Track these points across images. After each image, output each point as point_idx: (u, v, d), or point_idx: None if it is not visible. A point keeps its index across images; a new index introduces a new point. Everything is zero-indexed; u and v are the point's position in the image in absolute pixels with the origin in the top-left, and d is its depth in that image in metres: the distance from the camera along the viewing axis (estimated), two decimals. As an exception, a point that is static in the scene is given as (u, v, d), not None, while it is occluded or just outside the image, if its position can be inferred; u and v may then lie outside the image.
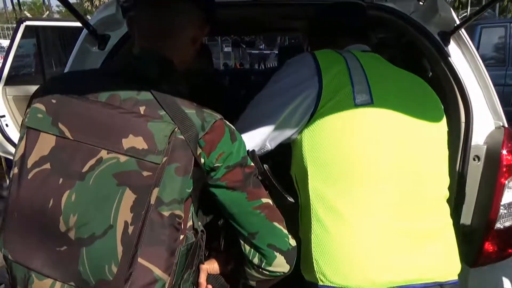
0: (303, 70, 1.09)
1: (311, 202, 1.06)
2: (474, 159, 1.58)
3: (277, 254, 0.93)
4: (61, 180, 0.81)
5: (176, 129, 0.81)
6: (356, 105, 1.04)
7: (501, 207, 1.51)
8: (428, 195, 1.09)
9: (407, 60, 1.92)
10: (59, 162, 0.82)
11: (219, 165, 0.88)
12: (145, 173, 0.78)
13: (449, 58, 1.60)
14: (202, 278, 1.02)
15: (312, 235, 1.06)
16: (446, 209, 1.14)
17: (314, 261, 1.05)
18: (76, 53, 1.61)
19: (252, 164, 0.96)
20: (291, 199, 1.10)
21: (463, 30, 1.58)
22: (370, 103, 1.04)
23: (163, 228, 0.78)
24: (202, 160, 0.86)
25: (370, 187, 1.03)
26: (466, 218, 1.61)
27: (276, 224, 0.94)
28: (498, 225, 1.53)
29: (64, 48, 5.07)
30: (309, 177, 1.07)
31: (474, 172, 1.59)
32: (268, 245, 0.92)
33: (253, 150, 1.13)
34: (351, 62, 1.09)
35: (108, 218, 0.77)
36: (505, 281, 1.65)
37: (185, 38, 0.98)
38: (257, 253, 0.94)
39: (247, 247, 0.95)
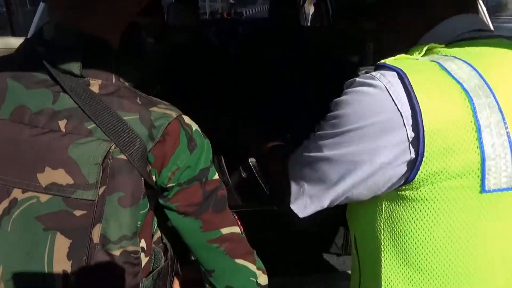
0: (386, 113, 0.61)
1: None
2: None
3: None
4: None
5: (112, 148, 0.61)
6: (485, 192, 0.61)
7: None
8: None
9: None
10: None
11: (173, 184, 0.69)
12: (78, 213, 0.61)
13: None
14: (176, 284, 0.90)
15: None
16: None
17: None
18: (42, 12, 1.40)
19: (216, 177, 0.74)
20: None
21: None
22: None
23: (115, 268, 0.64)
24: (154, 178, 0.68)
25: None
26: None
27: (239, 261, 0.76)
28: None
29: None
30: (383, 264, 0.71)
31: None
32: (227, 287, 0.77)
33: (221, 157, 0.94)
34: (472, 86, 0.60)
35: (41, 270, 0.62)
36: None
37: (123, 2, 0.68)
38: None
39: (207, 284, 0.80)
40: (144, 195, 0.66)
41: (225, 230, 0.75)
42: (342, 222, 1.80)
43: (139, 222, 0.67)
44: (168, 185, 0.69)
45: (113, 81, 0.67)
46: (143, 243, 0.71)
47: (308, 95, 2.41)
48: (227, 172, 0.96)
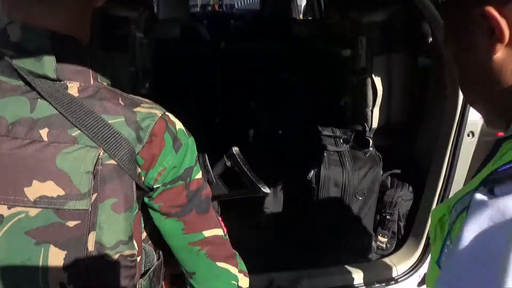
0: None
1: None
2: (468, 135, 1.52)
3: None
4: None
5: (101, 154, 0.59)
6: None
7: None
8: None
9: (405, 25, 1.77)
10: None
11: (159, 185, 0.69)
12: (71, 223, 0.59)
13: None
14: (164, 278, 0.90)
15: None
16: None
17: None
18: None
19: (200, 176, 0.73)
20: (266, 190, 0.96)
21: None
22: None
23: (113, 274, 0.63)
24: (143, 179, 0.67)
25: None
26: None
27: (220, 264, 0.76)
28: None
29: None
30: None
31: (467, 148, 1.53)
32: None
33: (205, 155, 0.93)
34: None
35: (35, 284, 0.60)
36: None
37: None
38: None
39: (188, 285, 0.80)
40: (136, 198, 0.65)
41: (207, 233, 0.74)
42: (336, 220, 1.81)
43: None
44: (155, 186, 0.68)
45: (91, 82, 0.64)
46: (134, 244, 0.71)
47: (300, 90, 2.40)
48: (211, 169, 0.97)
